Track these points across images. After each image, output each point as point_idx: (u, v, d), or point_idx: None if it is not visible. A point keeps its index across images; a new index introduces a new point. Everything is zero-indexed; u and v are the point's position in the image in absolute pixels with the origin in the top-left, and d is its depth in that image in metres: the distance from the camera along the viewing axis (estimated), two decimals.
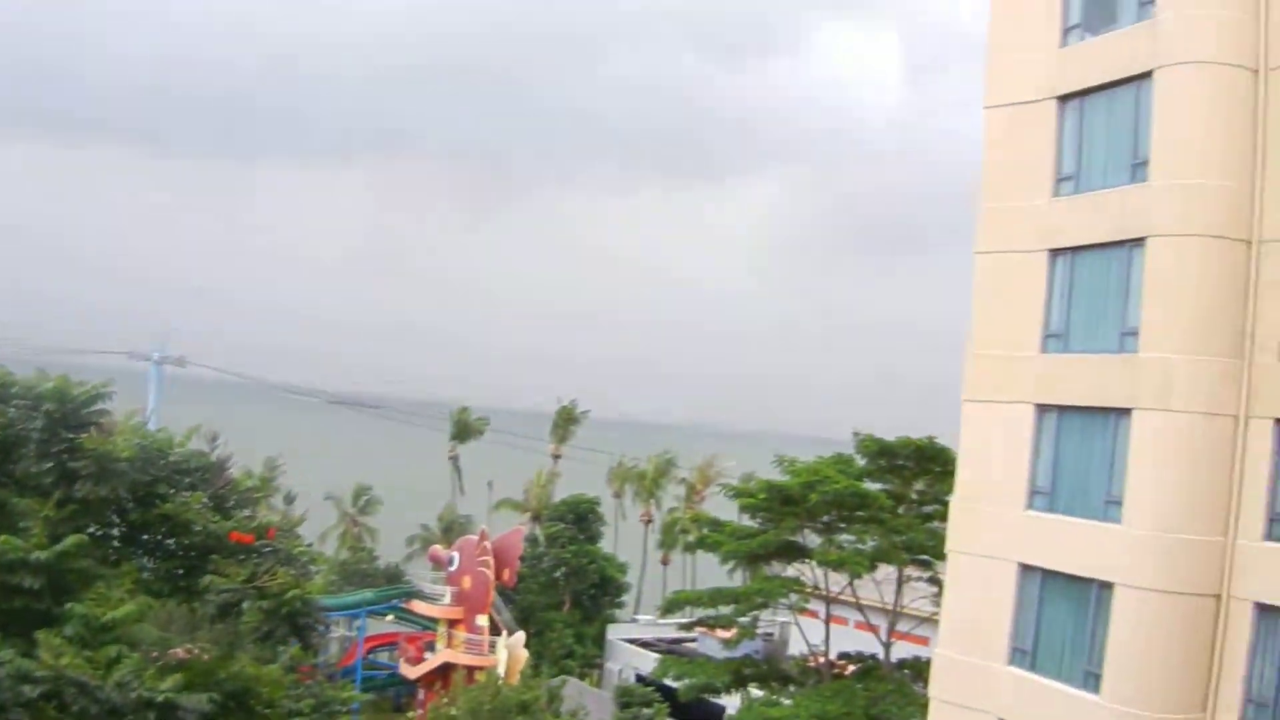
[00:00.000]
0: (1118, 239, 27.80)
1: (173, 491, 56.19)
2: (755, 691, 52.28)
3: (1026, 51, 30.74)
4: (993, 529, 30.24)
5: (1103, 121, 29.01)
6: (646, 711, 61.87)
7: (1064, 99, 29.77)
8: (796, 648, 61.05)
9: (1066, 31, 30.15)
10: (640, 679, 73.55)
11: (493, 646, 71.01)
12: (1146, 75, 27.64)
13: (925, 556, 49.53)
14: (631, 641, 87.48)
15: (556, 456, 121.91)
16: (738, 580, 63.85)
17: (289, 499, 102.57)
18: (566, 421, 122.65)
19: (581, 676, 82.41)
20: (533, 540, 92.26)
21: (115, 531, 56.66)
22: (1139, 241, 27.23)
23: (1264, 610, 25.48)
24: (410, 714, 70.31)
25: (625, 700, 63.00)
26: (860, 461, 51.80)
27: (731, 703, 53.85)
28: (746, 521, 53.65)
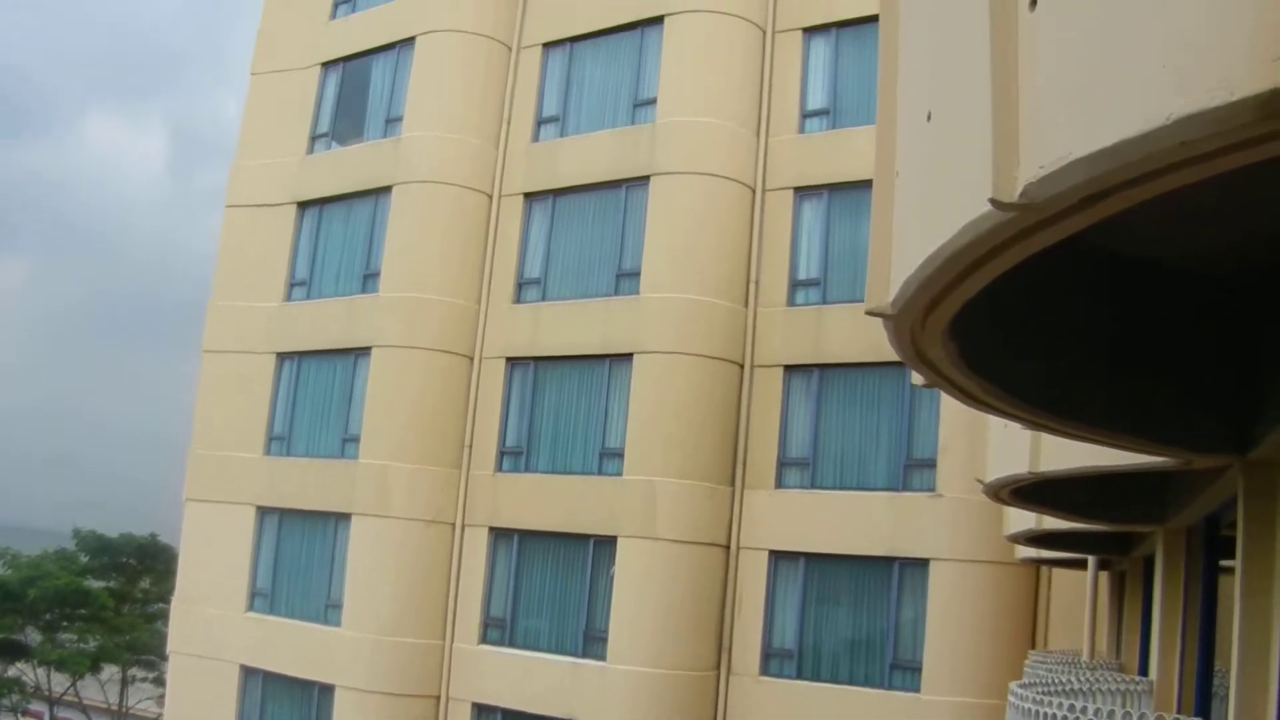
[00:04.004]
0: (345, 346, 26.80)
1: None
2: None
3: (274, 155, 29.27)
4: (214, 630, 28.06)
5: (340, 230, 27.99)
6: None
7: (304, 205, 28.55)
8: None
9: (315, 139, 29.08)
10: None
11: None
12: (386, 189, 26.95)
13: (150, 656, 46.35)
14: None
15: None
16: None
17: None
18: None
19: None
20: None
21: None
22: (365, 350, 26.33)
23: (482, 710, 25.11)
24: None
25: None
26: (84, 558, 47.93)
27: None
28: None
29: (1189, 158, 2.50)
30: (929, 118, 3.75)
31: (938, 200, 3.51)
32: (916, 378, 5.15)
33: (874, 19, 4.41)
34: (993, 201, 2.91)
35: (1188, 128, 2.38)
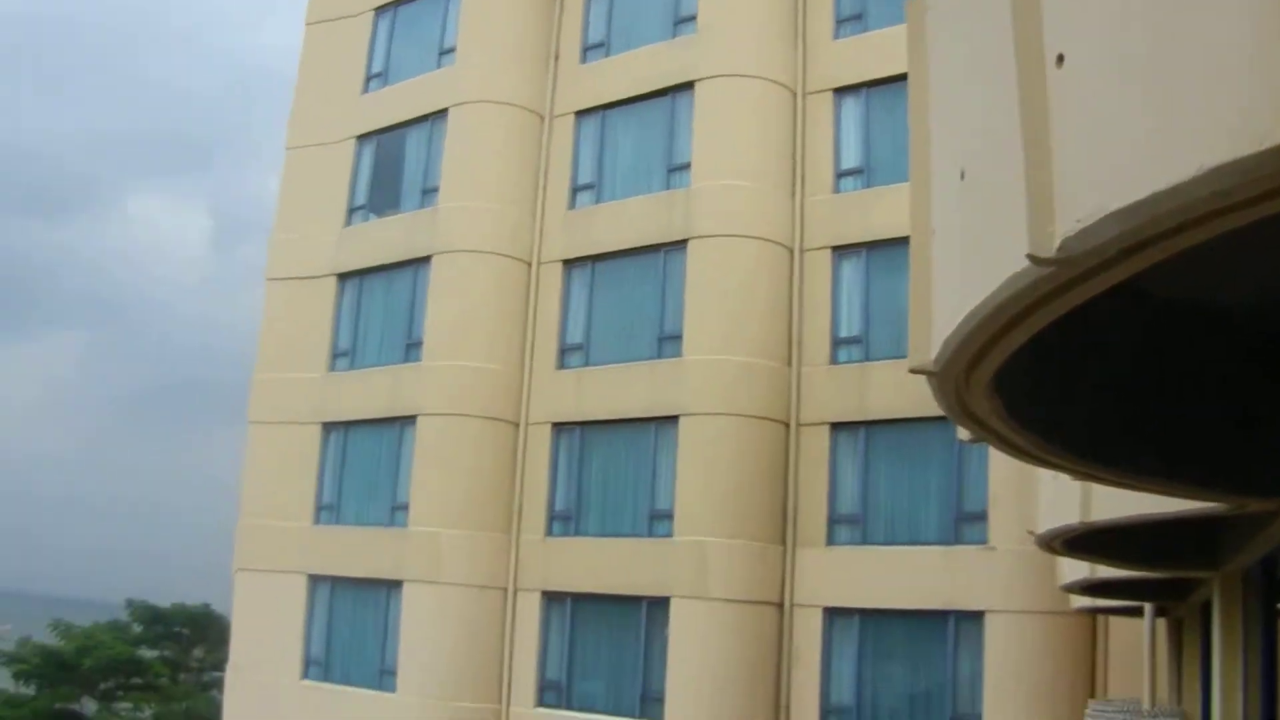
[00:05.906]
0: (390, 415, 26.45)
1: None
2: None
3: (311, 228, 29.03)
4: (268, 700, 27.50)
5: (380, 301, 27.74)
6: None
7: (344, 276, 28.28)
8: None
9: (352, 212, 28.84)
10: None
11: None
12: (425, 260, 26.69)
13: None
14: None
15: None
16: None
17: None
18: None
19: None
20: None
21: None
22: (410, 419, 25.98)
23: None
24: None
25: None
26: (137, 628, 47.62)
27: None
28: (23, 689, 47.52)
29: (1222, 207, 2.41)
30: (962, 176, 3.67)
31: (976, 257, 3.46)
32: (963, 433, 5.03)
33: (904, 77, 4.25)
34: (1030, 257, 2.87)
35: (1219, 178, 2.30)
